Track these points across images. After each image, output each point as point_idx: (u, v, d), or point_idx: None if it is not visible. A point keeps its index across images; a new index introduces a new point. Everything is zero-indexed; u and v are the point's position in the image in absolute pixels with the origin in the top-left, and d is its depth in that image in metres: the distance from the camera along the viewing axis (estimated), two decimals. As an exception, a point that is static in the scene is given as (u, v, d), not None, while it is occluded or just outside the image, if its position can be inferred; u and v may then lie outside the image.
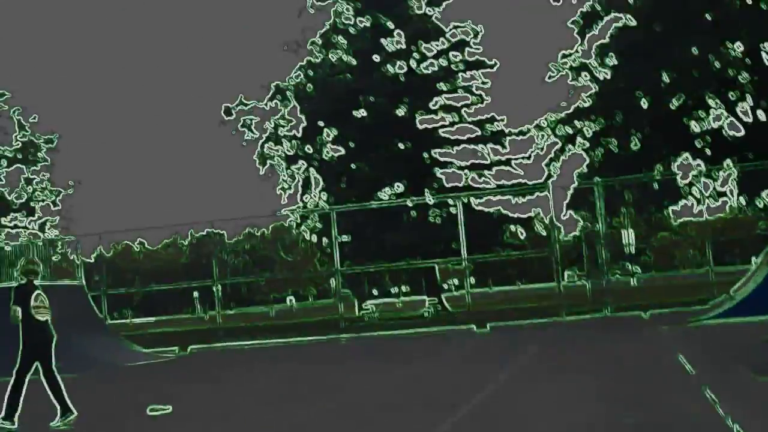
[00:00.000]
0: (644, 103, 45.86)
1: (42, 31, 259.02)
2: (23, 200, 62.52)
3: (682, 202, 47.49)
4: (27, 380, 12.48)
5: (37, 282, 13.09)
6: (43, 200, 63.19)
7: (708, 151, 45.91)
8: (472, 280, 50.23)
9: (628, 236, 43.63)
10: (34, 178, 63.12)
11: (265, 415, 12.35)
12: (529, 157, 52.57)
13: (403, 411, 12.07)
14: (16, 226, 62.43)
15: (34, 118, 63.04)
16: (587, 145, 47.72)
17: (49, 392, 12.59)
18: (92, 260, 46.89)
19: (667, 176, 44.51)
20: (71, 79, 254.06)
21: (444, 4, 54.60)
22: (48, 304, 12.77)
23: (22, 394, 12.43)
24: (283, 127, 56.87)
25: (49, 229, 62.59)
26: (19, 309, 12.42)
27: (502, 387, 13.57)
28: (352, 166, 53.79)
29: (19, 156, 62.32)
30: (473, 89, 54.16)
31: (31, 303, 12.49)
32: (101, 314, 32.59)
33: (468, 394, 12.64)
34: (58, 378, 12.60)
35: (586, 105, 47.56)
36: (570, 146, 48.26)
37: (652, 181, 45.25)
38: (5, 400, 12.35)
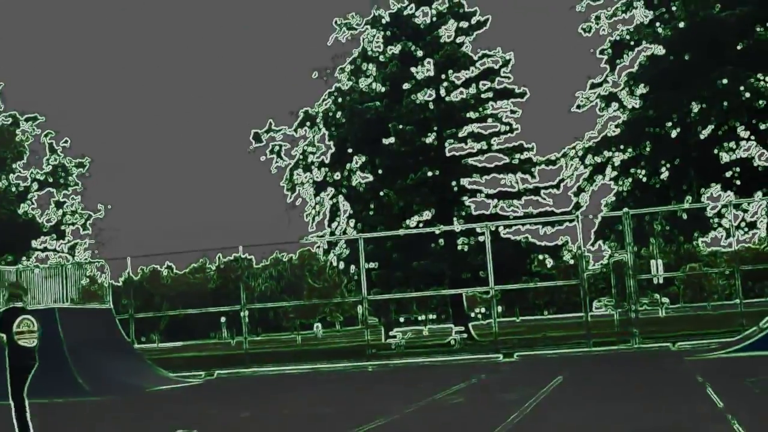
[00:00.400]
0: (673, 133, 45.76)
1: (74, 57, 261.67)
2: (53, 223, 63.00)
3: (712, 233, 47.23)
4: (26, 400, 12.50)
5: (22, 305, 13.05)
6: (73, 223, 63.65)
7: (738, 182, 45.71)
8: (500, 308, 50.04)
9: (657, 267, 43.35)
10: (65, 202, 63.62)
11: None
12: (557, 186, 52.42)
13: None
14: (45, 249, 62.92)
15: (66, 142, 63.64)
16: (616, 174, 47.61)
17: (13, 413, 12.57)
18: (120, 284, 47.15)
19: (696, 207, 44.32)
20: (103, 103, 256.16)
21: (474, 33, 54.73)
22: (36, 327, 12.73)
23: (28, 413, 12.46)
24: (312, 153, 57.09)
25: (79, 252, 63.02)
26: (3, 336, 12.44)
27: (527, 416, 13.51)
28: (381, 193, 53.84)
29: (50, 179, 62.85)
30: (502, 118, 54.13)
31: (14, 329, 12.47)
32: (129, 338, 32.71)
33: (493, 423, 12.60)
34: (26, 403, 12.57)
35: (615, 134, 47.49)
36: (599, 176, 48.17)
37: (681, 211, 45.03)
38: (17, 428, 12.38)
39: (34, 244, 62.81)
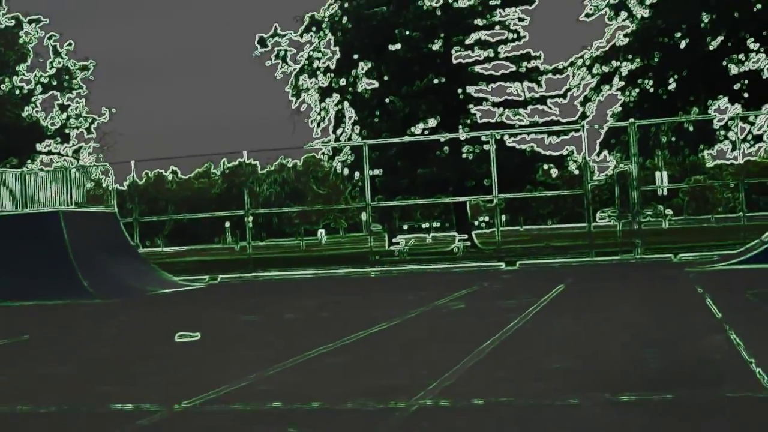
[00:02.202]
0: (682, 44, 45.35)
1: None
2: (57, 127, 62.91)
3: (718, 145, 47.12)
4: None
5: None
6: (77, 127, 63.56)
7: (745, 95, 45.44)
8: (503, 217, 50.07)
9: (662, 178, 43.30)
10: (69, 105, 63.43)
11: (291, 343, 12.47)
12: (564, 96, 52.20)
13: (430, 343, 12.15)
14: (50, 152, 62.94)
15: (70, 45, 63.24)
16: (623, 84, 47.34)
17: None
18: (125, 188, 47.21)
19: (702, 119, 44.12)
20: (106, 5, 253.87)
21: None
22: None
23: None
24: (318, 59, 56.70)
25: (83, 156, 63.07)
26: None
27: (527, 323, 13.62)
28: (386, 100, 53.63)
29: (54, 82, 62.57)
30: (510, 25, 53.63)
31: None
32: (133, 242, 32.87)
33: (493, 329, 12.70)
34: None
35: (623, 43, 47.09)
36: (606, 85, 47.90)
37: (687, 123, 44.86)
38: None
39: (39, 147, 62.79)
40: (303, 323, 16.01)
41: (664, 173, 43.21)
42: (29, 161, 61.00)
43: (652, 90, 46.69)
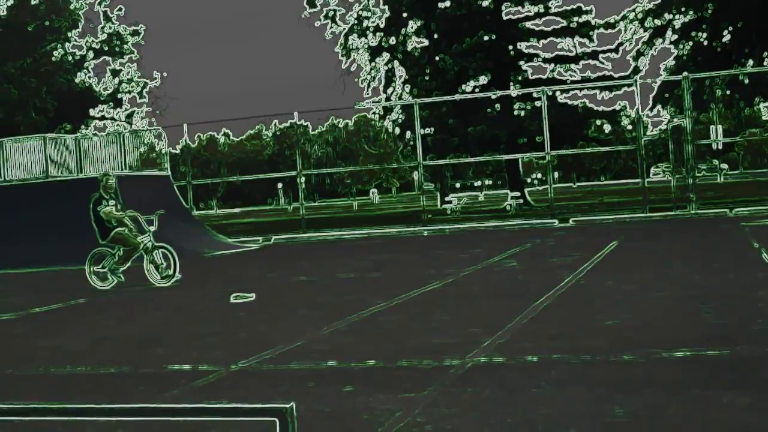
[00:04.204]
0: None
1: None
2: (110, 92, 63.38)
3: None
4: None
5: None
6: (129, 92, 63.99)
7: (802, 44, 44.67)
8: (556, 174, 49.73)
9: (717, 132, 42.73)
10: (121, 70, 63.85)
11: (345, 303, 12.54)
12: (616, 50, 51.56)
13: (483, 301, 12.16)
14: (103, 117, 63.46)
15: (120, 10, 63.57)
16: (676, 38, 46.69)
17: None
18: (178, 151, 47.55)
19: (758, 71, 43.40)
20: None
21: None
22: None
23: None
24: (367, 18, 56.48)
25: (136, 120, 63.54)
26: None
27: (580, 280, 13.57)
28: (436, 58, 53.33)
29: (106, 48, 62.98)
30: (559, -21, 53.00)
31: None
32: (187, 204, 33.12)
33: (546, 287, 12.69)
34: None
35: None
36: (658, 39, 47.29)
37: (742, 75, 44.17)
38: None
39: (92, 112, 63.31)
40: (356, 283, 16.08)
41: (719, 127, 42.68)
42: (83, 126, 61.55)
43: (705, 43, 46.06)
